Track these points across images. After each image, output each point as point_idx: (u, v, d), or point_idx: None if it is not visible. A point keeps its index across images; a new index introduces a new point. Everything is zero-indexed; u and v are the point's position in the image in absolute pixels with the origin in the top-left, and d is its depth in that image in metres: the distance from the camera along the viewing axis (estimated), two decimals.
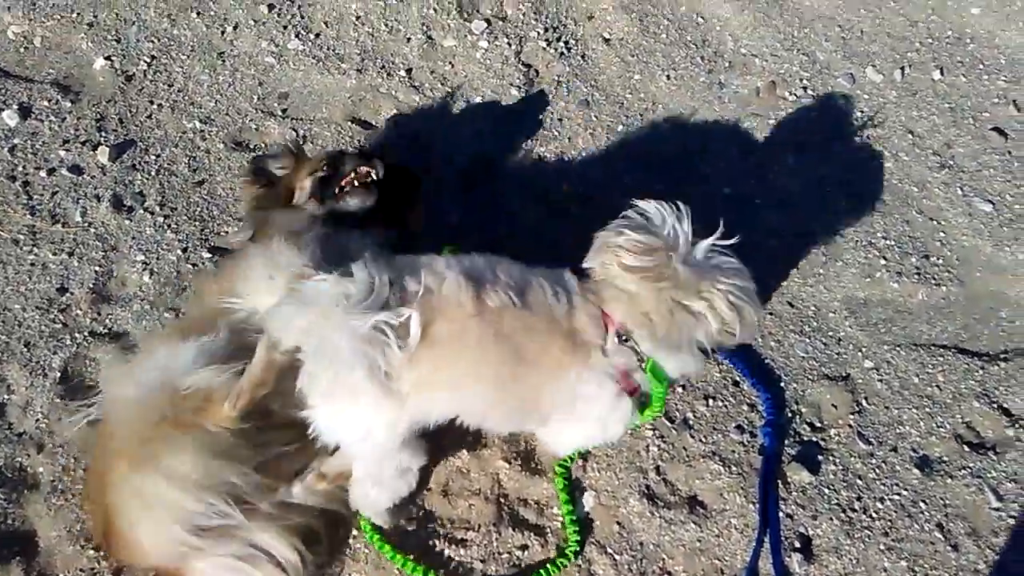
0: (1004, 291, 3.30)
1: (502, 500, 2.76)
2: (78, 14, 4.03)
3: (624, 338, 2.20)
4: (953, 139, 3.74)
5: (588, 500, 2.77)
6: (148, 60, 3.89)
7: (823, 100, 3.86)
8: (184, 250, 3.30)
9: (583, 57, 3.98)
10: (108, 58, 3.87)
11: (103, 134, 3.61)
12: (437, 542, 2.69)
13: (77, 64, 3.87)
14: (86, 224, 3.35)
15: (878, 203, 3.53)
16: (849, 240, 3.41)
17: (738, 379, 3.03)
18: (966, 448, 2.90)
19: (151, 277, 3.23)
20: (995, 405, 2.98)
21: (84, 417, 2.76)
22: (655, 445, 2.87)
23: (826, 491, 2.80)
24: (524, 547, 2.68)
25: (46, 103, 3.69)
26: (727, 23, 4.16)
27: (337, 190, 2.90)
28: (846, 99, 3.87)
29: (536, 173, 3.59)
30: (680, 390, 2.99)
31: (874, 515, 2.75)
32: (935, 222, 3.48)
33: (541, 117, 3.75)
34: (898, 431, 2.93)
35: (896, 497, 2.79)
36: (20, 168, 3.48)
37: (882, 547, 2.69)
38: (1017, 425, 2.93)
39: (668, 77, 3.93)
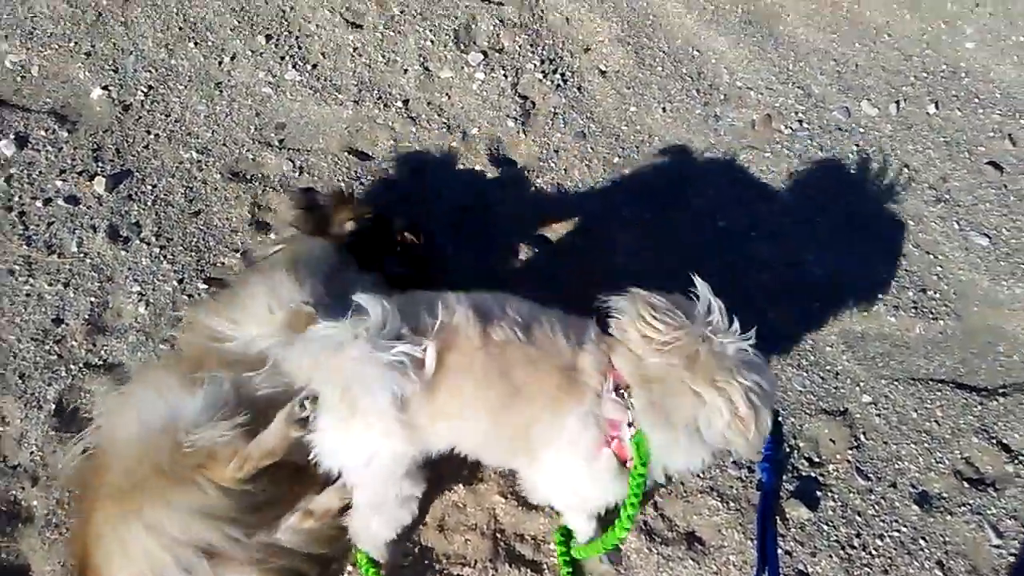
0: (1001, 325, 3.31)
1: (498, 535, 2.74)
2: (76, 43, 4.04)
3: (621, 392, 2.14)
4: (949, 173, 3.76)
5: None
6: (145, 90, 3.89)
7: (818, 133, 3.88)
8: (180, 281, 3.28)
9: (579, 89, 4.00)
10: (105, 88, 3.87)
11: (100, 164, 3.61)
12: None
13: (74, 93, 3.87)
14: (82, 255, 3.34)
15: (874, 237, 3.53)
16: (844, 273, 3.42)
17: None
18: (965, 484, 2.89)
19: (147, 308, 3.21)
20: (994, 441, 2.98)
21: (78, 445, 2.73)
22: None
23: (825, 527, 2.78)
24: None
25: (43, 133, 3.69)
26: (722, 56, 4.18)
27: (378, 250, 2.96)
28: (841, 132, 3.89)
29: (532, 205, 3.59)
30: None
31: (873, 552, 2.73)
32: (932, 256, 3.49)
33: (537, 149, 3.76)
34: (897, 467, 2.92)
35: (895, 534, 2.77)
36: (16, 198, 3.47)
37: None
38: (1016, 461, 2.93)
39: (664, 109, 3.95)
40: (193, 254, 3.37)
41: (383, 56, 4.09)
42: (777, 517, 2.79)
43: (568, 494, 2.44)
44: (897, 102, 4.01)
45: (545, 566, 2.69)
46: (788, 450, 2.94)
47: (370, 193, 3.55)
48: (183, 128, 3.78)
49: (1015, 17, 4.39)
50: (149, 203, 3.51)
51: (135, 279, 3.28)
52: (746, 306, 3.20)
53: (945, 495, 2.86)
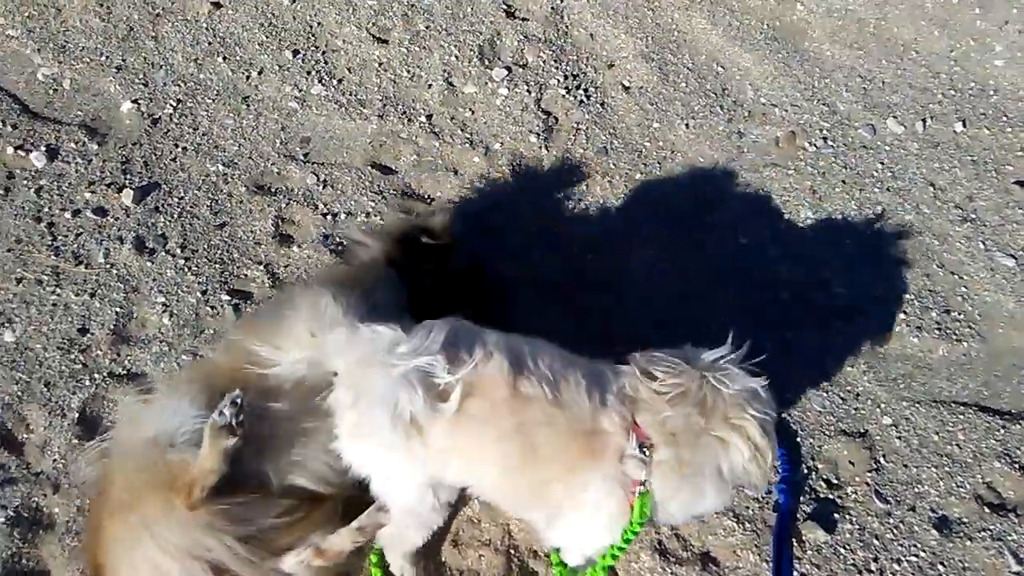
0: None
1: (512, 552, 2.75)
2: (107, 57, 4.12)
3: (644, 449, 2.16)
4: (975, 192, 3.72)
5: None
6: (174, 104, 3.96)
7: (843, 151, 3.85)
8: (204, 292, 3.33)
9: (602, 105, 4.01)
10: (135, 101, 3.95)
11: (128, 176, 3.67)
12: None
13: (105, 107, 3.94)
14: (108, 265, 3.40)
15: (898, 256, 3.50)
16: (867, 293, 3.39)
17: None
18: (986, 509, 2.84)
19: (171, 319, 3.26)
20: (1017, 465, 2.93)
21: (91, 452, 2.77)
22: None
23: (842, 551, 2.76)
24: None
25: (73, 145, 3.76)
26: (747, 72, 4.17)
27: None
28: (866, 150, 3.86)
29: (553, 220, 3.60)
30: None
31: None
32: (956, 276, 3.45)
33: (559, 164, 3.77)
34: (917, 490, 2.89)
35: (913, 559, 2.74)
36: (46, 209, 3.54)
37: None
38: None
39: (687, 126, 3.95)
40: (217, 266, 3.41)
41: (408, 71, 4.12)
42: (793, 539, 2.76)
43: (581, 545, 2.45)
44: (924, 120, 3.98)
45: None
46: (805, 472, 2.92)
47: (390, 206, 3.58)
48: (210, 141, 3.83)
49: None
50: (175, 215, 3.56)
51: (160, 290, 3.33)
52: (766, 325, 3.24)
53: (965, 520, 2.82)
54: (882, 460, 2.96)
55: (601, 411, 2.17)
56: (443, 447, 2.13)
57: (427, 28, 4.29)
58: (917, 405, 3.09)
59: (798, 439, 3.00)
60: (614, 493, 2.19)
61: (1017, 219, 3.62)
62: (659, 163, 3.81)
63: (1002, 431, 3.01)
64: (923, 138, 3.93)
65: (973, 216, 3.64)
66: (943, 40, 4.33)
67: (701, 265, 3.47)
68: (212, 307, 3.30)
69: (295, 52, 4.18)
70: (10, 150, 3.71)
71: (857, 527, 2.80)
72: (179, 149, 3.79)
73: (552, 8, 4.40)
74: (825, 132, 3.93)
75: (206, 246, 3.47)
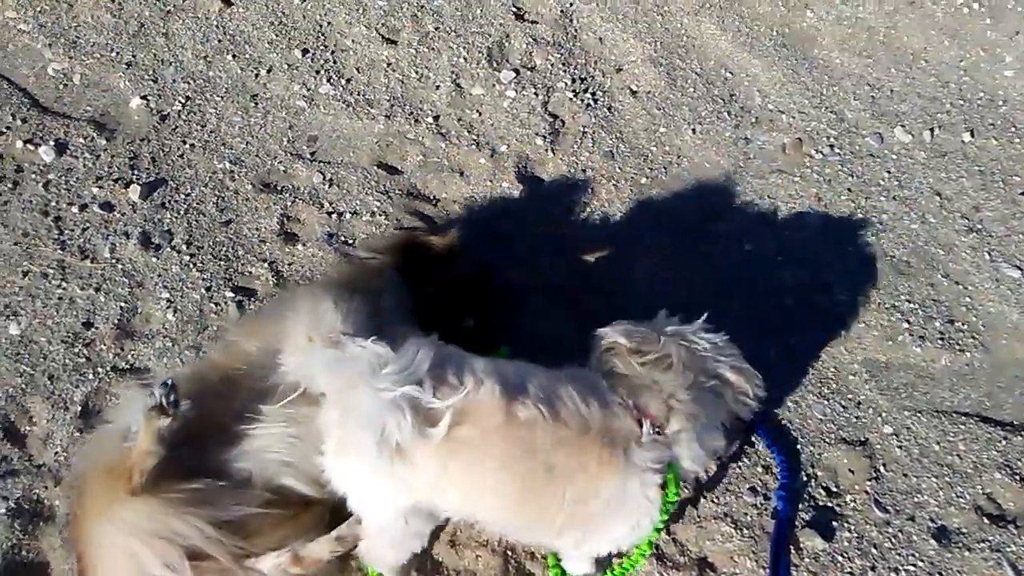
0: None
1: (509, 553, 2.74)
2: (117, 53, 4.14)
3: (658, 430, 2.19)
4: (982, 202, 3.71)
5: None
6: (183, 100, 3.98)
7: (849, 159, 3.85)
8: (208, 289, 3.34)
9: (609, 109, 4.02)
10: (144, 97, 3.97)
11: (135, 172, 3.69)
12: None
13: (114, 102, 3.97)
14: (114, 260, 3.41)
15: (903, 265, 3.50)
16: (872, 302, 3.38)
17: (753, 439, 2.99)
18: (986, 520, 2.83)
19: (175, 315, 3.27)
20: (1017, 477, 2.92)
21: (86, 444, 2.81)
22: None
23: (839, 559, 2.75)
24: None
25: (82, 140, 3.78)
26: (755, 78, 4.17)
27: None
28: (873, 159, 3.86)
29: (558, 224, 3.60)
30: None
31: None
32: (961, 287, 3.44)
33: (565, 167, 3.78)
34: (916, 500, 2.88)
35: (911, 568, 2.73)
36: (53, 203, 3.56)
37: None
38: None
39: (694, 131, 3.95)
40: (222, 263, 3.43)
41: (416, 72, 4.14)
42: (791, 546, 2.76)
43: (615, 547, 2.42)
44: (932, 129, 3.97)
45: None
46: (805, 479, 2.91)
47: (396, 206, 3.59)
48: (218, 139, 3.85)
49: None
50: (182, 212, 3.58)
51: (165, 286, 3.35)
52: (769, 331, 3.23)
53: (964, 531, 2.81)
54: (882, 469, 2.95)
55: (605, 412, 2.17)
56: (435, 475, 2.10)
57: (436, 29, 4.31)
58: (918, 414, 3.08)
59: (798, 446, 2.99)
60: (651, 481, 2.20)
61: (1023, 230, 3.61)
62: (665, 168, 3.81)
63: (1003, 442, 3.00)
64: (931, 147, 3.92)
65: (979, 226, 3.63)
66: (953, 50, 4.33)
67: (707, 270, 3.47)
68: (216, 304, 3.31)
69: (304, 51, 4.20)
70: (19, 144, 3.74)
71: (855, 535, 2.80)
72: (187, 146, 3.81)
73: (562, 11, 4.41)
74: (832, 140, 3.93)
75: (211, 243, 3.49)
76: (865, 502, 2.87)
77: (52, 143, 3.75)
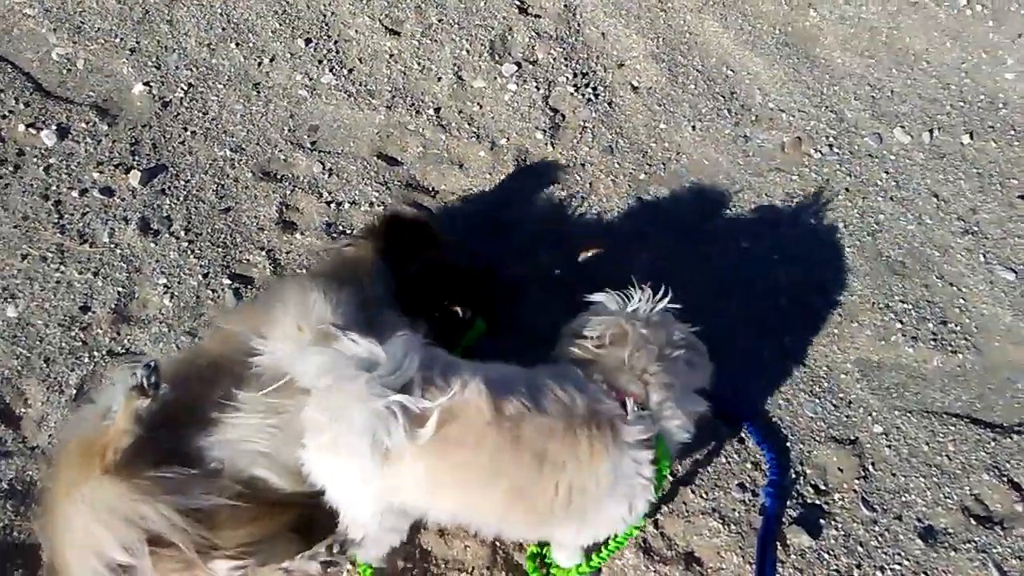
0: (1023, 362, 3.26)
1: (497, 543, 2.76)
2: (121, 39, 4.16)
3: (641, 406, 2.23)
4: (979, 205, 3.71)
5: None
6: (185, 87, 3.99)
7: (848, 159, 3.86)
8: (205, 275, 3.36)
9: (610, 104, 4.02)
10: (147, 84, 3.99)
11: (136, 158, 3.71)
12: None
13: (117, 88, 3.98)
14: (113, 245, 3.43)
15: (897, 266, 3.51)
16: (866, 301, 3.39)
17: (744, 436, 3.01)
18: (972, 521, 2.85)
19: (171, 300, 3.29)
20: (1005, 479, 2.94)
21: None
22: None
23: (826, 556, 2.76)
24: None
25: (84, 125, 3.80)
26: (756, 77, 4.18)
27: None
28: (872, 159, 3.87)
29: (556, 218, 3.61)
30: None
31: None
32: (955, 288, 3.45)
33: (564, 162, 3.79)
34: (904, 499, 2.89)
35: (897, 567, 2.75)
36: (54, 187, 3.58)
37: None
38: None
39: (694, 128, 3.96)
40: (220, 250, 3.44)
41: (418, 63, 4.15)
42: (778, 543, 2.78)
43: (609, 532, 2.45)
44: (931, 130, 3.98)
45: None
46: (793, 476, 2.93)
47: (394, 197, 3.61)
48: (219, 126, 3.87)
49: None
50: (181, 198, 3.60)
51: (162, 272, 3.37)
52: (764, 329, 3.25)
53: (951, 531, 2.82)
54: (871, 468, 2.96)
55: (586, 398, 2.19)
56: (424, 475, 2.11)
57: (439, 21, 4.32)
58: (909, 415, 3.09)
59: (788, 444, 3.01)
60: (644, 458, 2.21)
61: (1019, 233, 3.61)
62: (664, 164, 3.82)
63: (992, 444, 3.01)
64: (929, 149, 3.92)
65: (975, 229, 3.63)
66: (955, 52, 4.33)
67: (703, 267, 3.48)
68: (213, 290, 3.33)
69: (307, 40, 4.21)
70: (21, 127, 3.76)
71: (842, 533, 2.81)
72: (188, 133, 3.83)
73: (565, 6, 4.42)
74: (831, 139, 3.93)
75: (210, 230, 3.51)
76: (853, 500, 2.89)
77: (54, 127, 3.77)
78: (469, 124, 3.92)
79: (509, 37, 4.26)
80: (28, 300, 3.26)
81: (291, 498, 2.48)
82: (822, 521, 2.84)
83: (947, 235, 3.61)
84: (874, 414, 3.09)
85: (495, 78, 4.09)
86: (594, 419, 2.16)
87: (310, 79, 4.07)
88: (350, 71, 4.11)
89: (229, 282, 3.35)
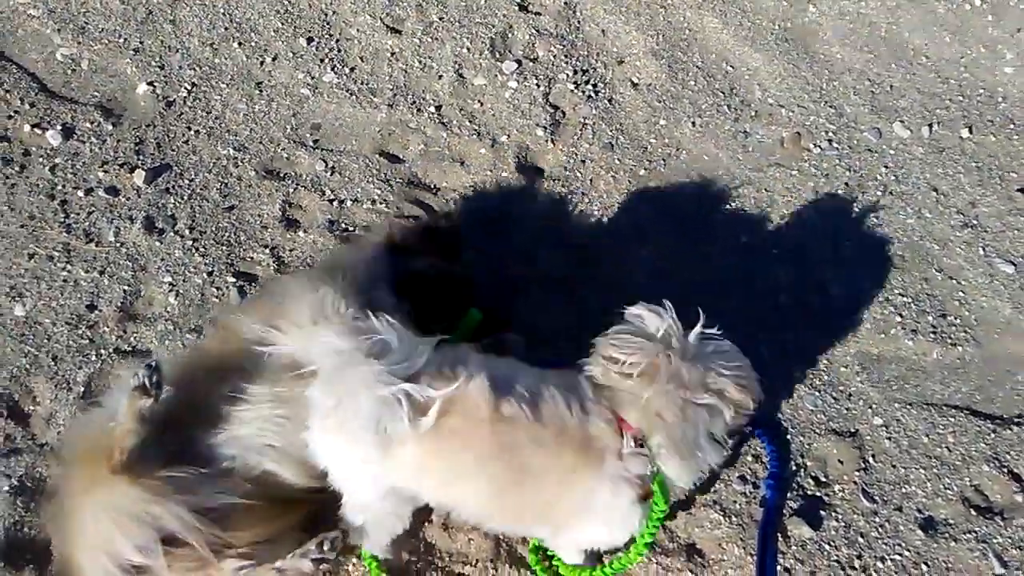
0: (1023, 354, 3.28)
1: (500, 536, 2.79)
2: (125, 40, 4.19)
3: (640, 443, 2.18)
4: (978, 198, 3.73)
5: None
6: (189, 87, 4.02)
7: (847, 154, 3.88)
8: (210, 273, 3.39)
9: (610, 101, 4.05)
10: (151, 83, 4.01)
11: (141, 157, 3.74)
12: (435, 575, 2.72)
13: (121, 88, 4.01)
14: (118, 244, 3.46)
15: (897, 259, 3.53)
16: (865, 295, 3.41)
17: (745, 429, 3.03)
18: (973, 512, 2.87)
19: (177, 298, 3.32)
20: (1005, 470, 2.96)
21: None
22: None
23: (826, 547, 2.79)
24: None
25: (89, 125, 3.83)
26: (756, 72, 4.20)
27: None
28: (871, 153, 3.89)
29: (556, 214, 3.64)
30: None
31: (874, 574, 2.74)
32: (954, 281, 3.47)
33: (564, 158, 3.81)
34: (904, 491, 2.92)
35: (898, 557, 2.77)
36: (59, 187, 3.62)
37: None
38: None
39: (694, 124, 3.98)
40: (224, 248, 3.47)
41: (419, 61, 4.17)
42: (779, 534, 2.80)
43: (595, 545, 2.49)
44: (930, 125, 4.00)
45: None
46: (794, 469, 2.95)
47: (396, 194, 3.64)
48: (222, 125, 3.90)
49: None
50: (185, 197, 3.63)
51: (167, 270, 3.40)
52: (763, 324, 3.27)
53: (951, 521, 2.85)
54: (871, 460, 2.99)
55: (585, 419, 2.18)
56: (418, 460, 2.15)
57: (440, 19, 4.34)
58: (909, 407, 3.11)
59: (788, 436, 3.03)
60: (623, 493, 2.20)
61: (1018, 226, 3.63)
62: (664, 160, 3.85)
63: (992, 435, 3.03)
64: (929, 143, 3.94)
65: (974, 222, 3.66)
66: (954, 46, 4.35)
67: (702, 262, 3.50)
68: (218, 288, 3.36)
69: (309, 39, 4.23)
70: (27, 128, 3.79)
71: (843, 524, 2.84)
72: (192, 132, 3.86)
73: (565, 3, 4.44)
74: (831, 134, 3.95)
75: (214, 228, 3.53)
76: (853, 492, 2.91)
77: (59, 127, 3.80)
78: (470, 122, 3.95)
79: (509, 35, 4.29)
80: (35, 299, 3.29)
81: (300, 494, 2.52)
82: (823, 512, 2.87)
83: (946, 229, 3.63)
84: (874, 407, 3.12)
85: (496, 76, 4.11)
86: (585, 442, 2.16)
87: (312, 78, 4.09)
88: (352, 70, 4.14)
89: (233, 280, 3.38)
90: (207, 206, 3.60)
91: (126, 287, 3.35)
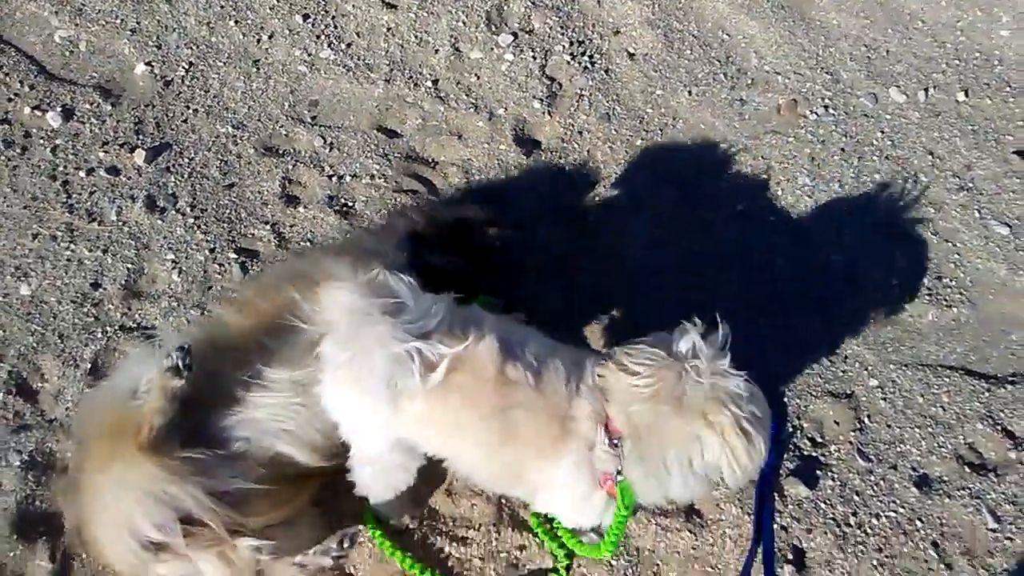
0: (1017, 314, 3.31)
1: (503, 501, 2.85)
2: (122, 20, 4.21)
3: (614, 442, 2.19)
4: (974, 161, 3.75)
5: None
6: (186, 66, 4.04)
7: (843, 120, 3.89)
8: (212, 250, 3.43)
9: (606, 71, 4.06)
10: (149, 63, 4.04)
11: (140, 137, 3.77)
12: (438, 539, 2.78)
13: (119, 69, 4.04)
14: (120, 223, 3.50)
15: (892, 224, 3.55)
16: (861, 259, 3.44)
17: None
18: (967, 469, 2.92)
19: (180, 275, 3.37)
20: (999, 427, 3.00)
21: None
22: None
23: (822, 505, 2.84)
24: (522, 547, 2.77)
25: (88, 106, 3.86)
26: (752, 40, 4.20)
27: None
28: (867, 119, 3.90)
29: (554, 186, 3.66)
30: None
31: (869, 531, 2.79)
32: (950, 244, 3.50)
33: (562, 130, 3.83)
34: (899, 449, 2.96)
35: (892, 514, 2.82)
36: (61, 168, 3.65)
37: (875, 562, 2.73)
38: (1020, 448, 2.95)
39: (690, 93, 3.99)
40: (225, 225, 3.51)
41: (415, 36, 4.19)
42: (775, 494, 2.85)
43: (563, 518, 2.61)
44: (926, 89, 4.00)
45: None
46: (791, 430, 3.00)
47: (395, 169, 3.67)
48: (221, 103, 3.92)
49: None
50: (186, 175, 3.66)
51: (170, 247, 3.44)
52: (761, 290, 3.30)
53: (945, 479, 2.89)
54: (866, 420, 3.03)
55: (574, 399, 2.23)
56: (423, 413, 2.20)
57: None
58: (904, 368, 3.15)
59: (785, 399, 3.07)
60: (582, 478, 2.26)
61: (1014, 188, 3.65)
62: (661, 129, 3.87)
63: (986, 394, 3.07)
64: (925, 107, 3.95)
65: (970, 185, 3.67)
66: (950, 10, 4.34)
67: (699, 230, 3.53)
68: (220, 265, 3.40)
69: (305, 16, 4.25)
70: (27, 110, 3.82)
71: (838, 483, 2.88)
72: (190, 111, 3.88)
73: None
74: (827, 100, 3.96)
75: (215, 205, 3.57)
76: (849, 452, 2.96)
77: (59, 109, 3.83)
78: (467, 95, 3.96)
79: (505, 7, 4.29)
80: (40, 278, 3.34)
81: (313, 471, 2.58)
82: (819, 472, 2.91)
83: (942, 192, 3.65)
84: (870, 368, 3.15)
85: (492, 49, 4.13)
86: (565, 419, 2.21)
87: (309, 55, 4.11)
88: (348, 46, 4.15)
89: (235, 256, 3.42)
90: (207, 184, 3.64)
91: (129, 265, 3.39)
